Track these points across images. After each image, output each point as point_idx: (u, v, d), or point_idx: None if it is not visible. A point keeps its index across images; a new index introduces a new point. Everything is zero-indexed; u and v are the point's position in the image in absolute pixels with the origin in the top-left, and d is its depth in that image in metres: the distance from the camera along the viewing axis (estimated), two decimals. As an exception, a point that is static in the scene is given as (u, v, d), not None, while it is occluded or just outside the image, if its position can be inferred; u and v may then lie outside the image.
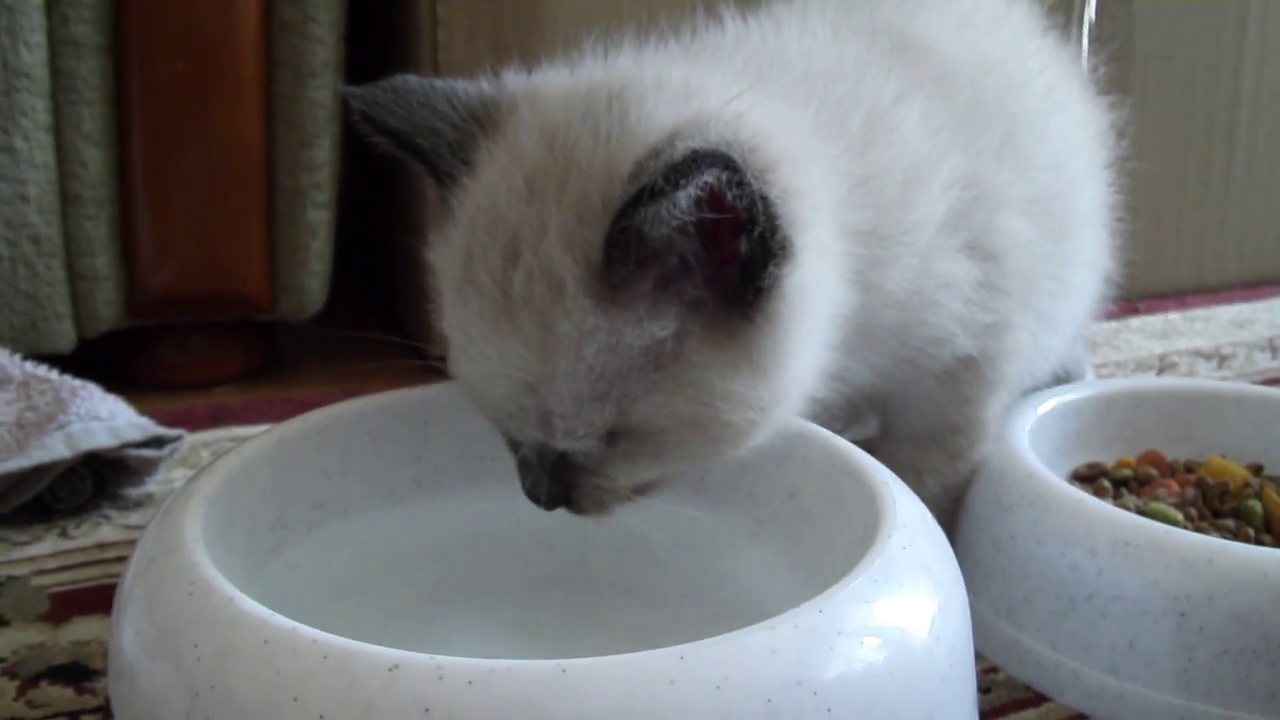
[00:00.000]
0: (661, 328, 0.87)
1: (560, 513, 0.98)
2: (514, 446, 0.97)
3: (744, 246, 0.86)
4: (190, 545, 0.83)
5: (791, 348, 0.92)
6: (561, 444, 0.91)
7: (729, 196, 0.83)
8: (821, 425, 1.04)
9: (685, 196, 0.81)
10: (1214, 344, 2.06)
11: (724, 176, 0.82)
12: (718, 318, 0.89)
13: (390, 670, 0.70)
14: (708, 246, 0.87)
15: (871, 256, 1.02)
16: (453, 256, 0.94)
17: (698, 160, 0.81)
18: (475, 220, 0.92)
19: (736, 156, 0.82)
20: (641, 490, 0.98)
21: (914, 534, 0.86)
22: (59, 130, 1.64)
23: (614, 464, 0.94)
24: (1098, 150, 1.31)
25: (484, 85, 1.00)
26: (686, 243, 0.86)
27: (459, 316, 0.92)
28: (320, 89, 1.72)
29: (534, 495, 0.96)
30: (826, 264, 0.96)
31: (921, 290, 1.07)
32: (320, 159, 1.74)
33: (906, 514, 0.89)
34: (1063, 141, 1.23)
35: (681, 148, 0.82)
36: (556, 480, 0.95)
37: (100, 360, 1.74)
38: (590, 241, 0.85)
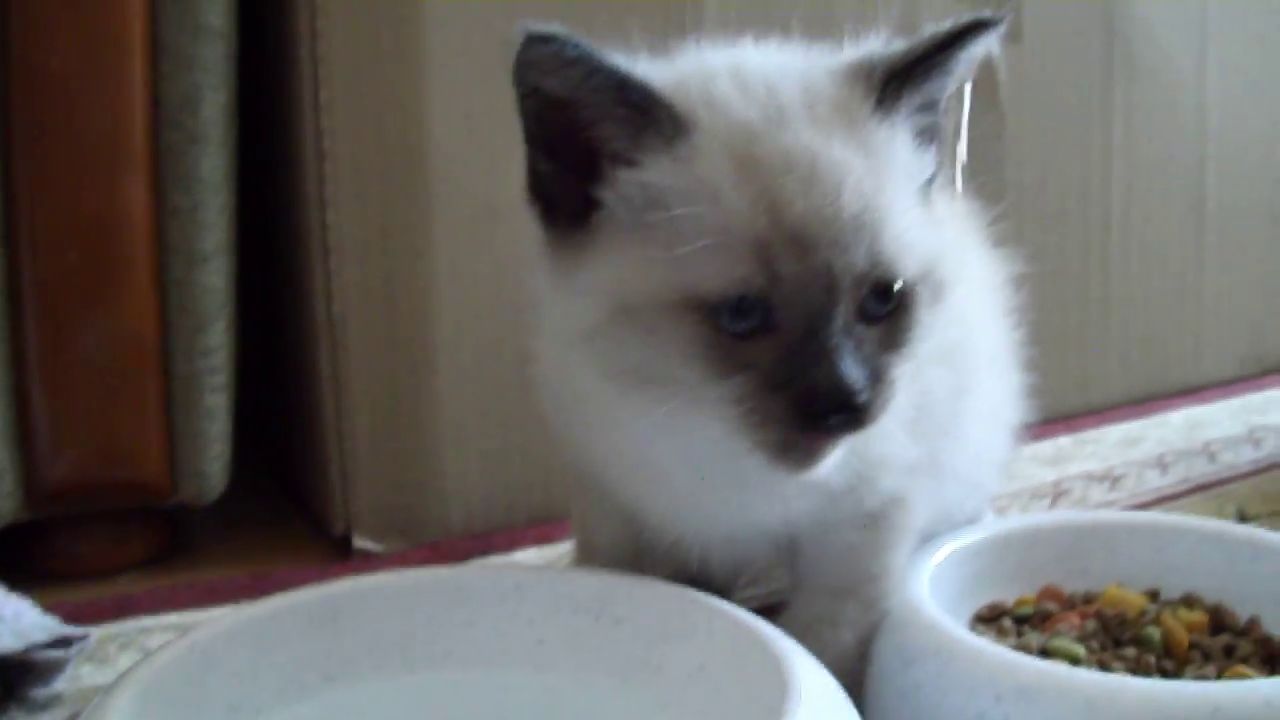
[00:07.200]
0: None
1: (473, 696, 0.99)
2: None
3: None
4: (108, 772, 0.83)
5: None
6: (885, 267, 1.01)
7: None
8: (724, 582, 1.06)
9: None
10: (1106, 466, 2.09)
11: None
12: None
13: None
14: None
15: None
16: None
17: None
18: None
19: None
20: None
21: (819, 707, 0.88)
22: (-47, 326, 1.63)
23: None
24: (997, 300, 1.36)
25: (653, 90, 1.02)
26: None
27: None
28: (213, 273, 1.72)
29: (847, 380, 0.98)
30: None
31: None
32: (215, 343, 1.74)
33: (811, 686, 0.91)
34: (962, 293, 1.26)
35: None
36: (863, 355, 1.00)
37: (-4, 550, 1.72)
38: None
